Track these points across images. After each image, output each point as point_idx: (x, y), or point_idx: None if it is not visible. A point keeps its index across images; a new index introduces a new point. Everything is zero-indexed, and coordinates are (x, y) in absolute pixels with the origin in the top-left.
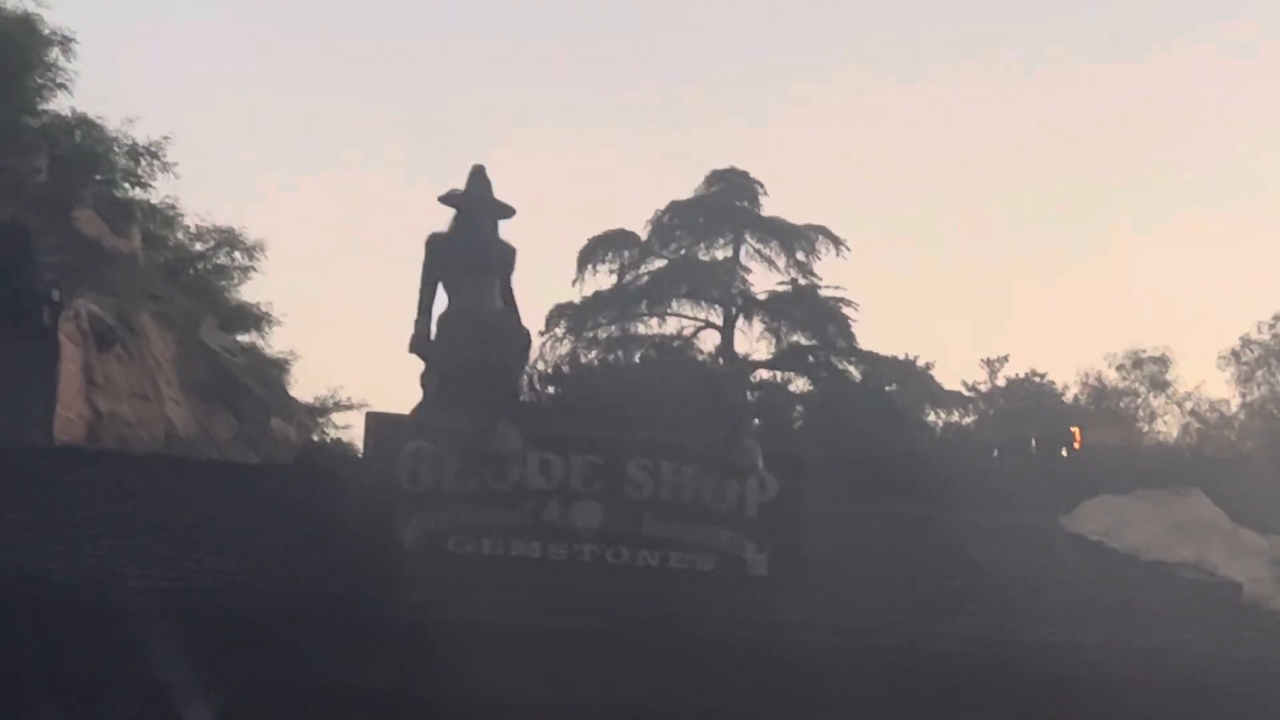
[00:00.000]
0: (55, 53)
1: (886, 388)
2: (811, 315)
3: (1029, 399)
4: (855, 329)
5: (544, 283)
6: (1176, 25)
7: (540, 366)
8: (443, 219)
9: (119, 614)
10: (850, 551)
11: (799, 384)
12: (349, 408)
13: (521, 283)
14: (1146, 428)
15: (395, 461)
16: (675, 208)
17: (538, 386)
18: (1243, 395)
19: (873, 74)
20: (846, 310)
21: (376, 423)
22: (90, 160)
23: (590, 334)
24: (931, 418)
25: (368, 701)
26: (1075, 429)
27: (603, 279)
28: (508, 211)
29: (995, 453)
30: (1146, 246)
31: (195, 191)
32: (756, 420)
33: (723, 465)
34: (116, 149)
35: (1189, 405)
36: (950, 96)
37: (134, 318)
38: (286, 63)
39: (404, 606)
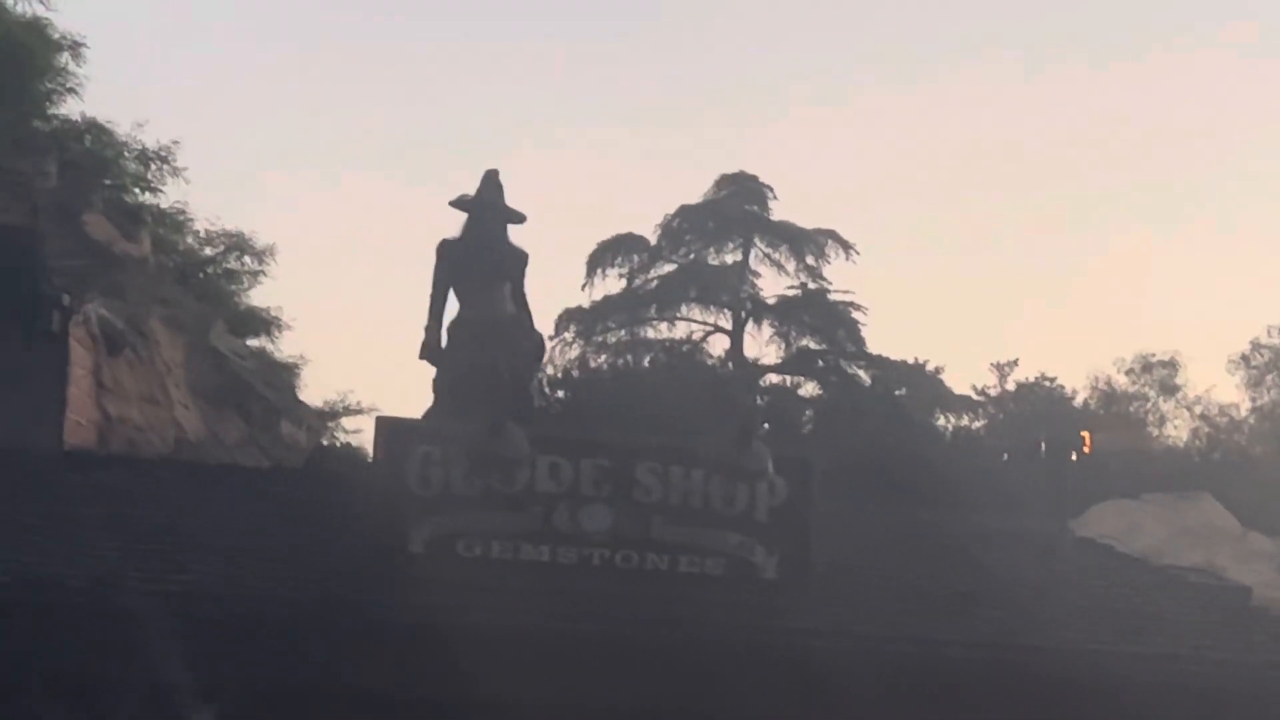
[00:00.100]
0: (65, 57)
1: (896, 392)
2: (821, 319)
3: (1038, 403)
4: (865, 333)
5: (553, 287)
6: (1185, 27)
7: (549, 371)
8: (453, 223)
9: (126, 617)
10: (860, 555)
11: (808, 388)
12: (359, 412)
13: (531, 287)
14: (1156, 432)
15: (404, 466)
16: (685, 212)
17: (547, 391)
18: (1252, 399)
19: (882, 78)
20: (856, 314)
21: (386, 427)
22: (100, 165)
23: (599, 338)
24: (941, 422)
25: (376, 705)
26: (1085, 433)
27: (612, 283)
28: (518, 217)
29: (1005, 457)
30: (1156, 250)
31: (205, 196)
32: (766, 424)
33: (732, 469)
34: (126, 153)
35: (1198, 409)
36: (959, 100)
37: (144, 322)
38: (296, 67)
39: (413, 610)
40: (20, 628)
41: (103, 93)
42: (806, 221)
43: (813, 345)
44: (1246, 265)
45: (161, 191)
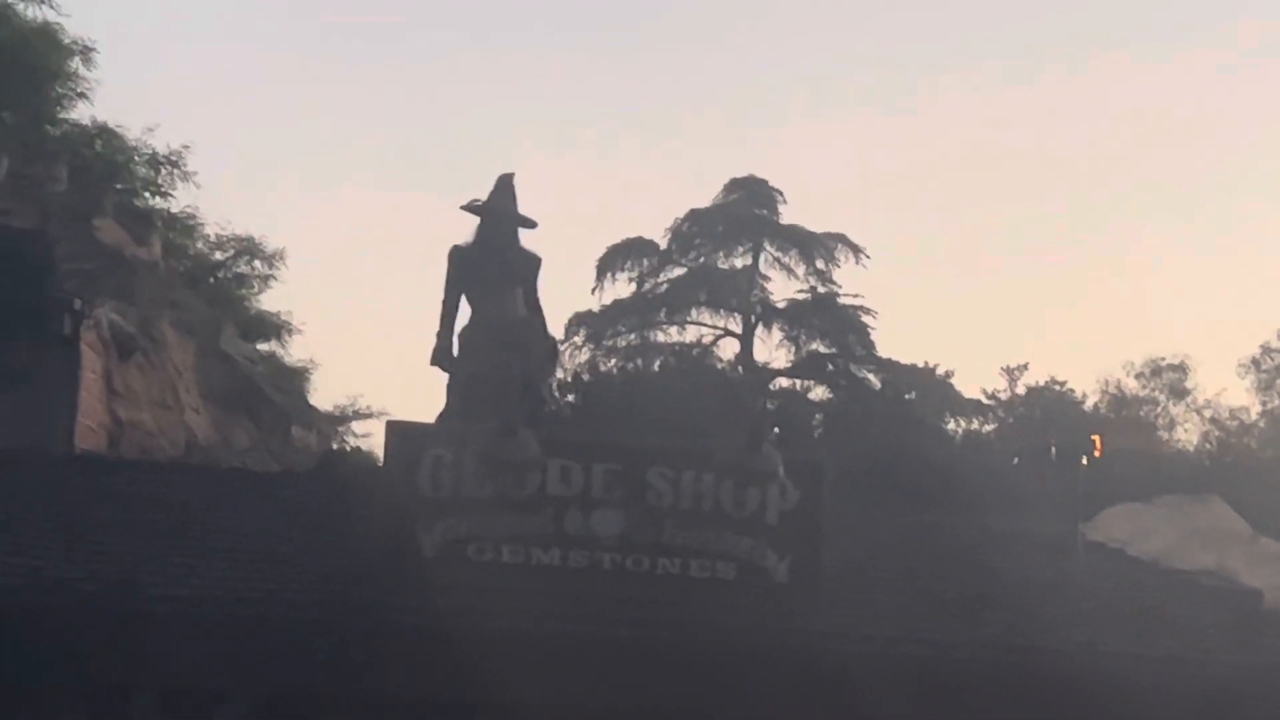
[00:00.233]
0: (76, 62)
1: (906, 396)
2: (831, 323)
3: (1049, 407)
4: (874, 337)
5: (563, 291)
6: (1194, 30)
7: (560, 375)
8: (464, 226)
9: (138, 621)
10: (870, 558)
11: (818, 392)
12: (369, 416)
13: (541, 291)
14: (1166, 435)
15: (415, 469)
16: (694, 216)
17: (557, 394)
18: (1263, 403)
19: (890, 82)
20: (866, 318)
21: (396, 431)
22: (111, 169)
23: (609, 342)
24: (951, 426)
25: (387, 707)
26: (1095, 437)
27: (622, 287)
28: (529, 223)
29: (1015, 460)
30: (1166, 254)
31: (215, 200)
32: (776, 428)
33: (743, 473)
34: (137, 158)
35: (1209, 413)
36: (968, 104)
37: (154, 326)
38: (306, 72)
39: (424, 614)
40: (32, 630)
41: (113, 97)
42: (816, 225)
43: (822, 349)
44: (1256, 269)
45: (172, 196)
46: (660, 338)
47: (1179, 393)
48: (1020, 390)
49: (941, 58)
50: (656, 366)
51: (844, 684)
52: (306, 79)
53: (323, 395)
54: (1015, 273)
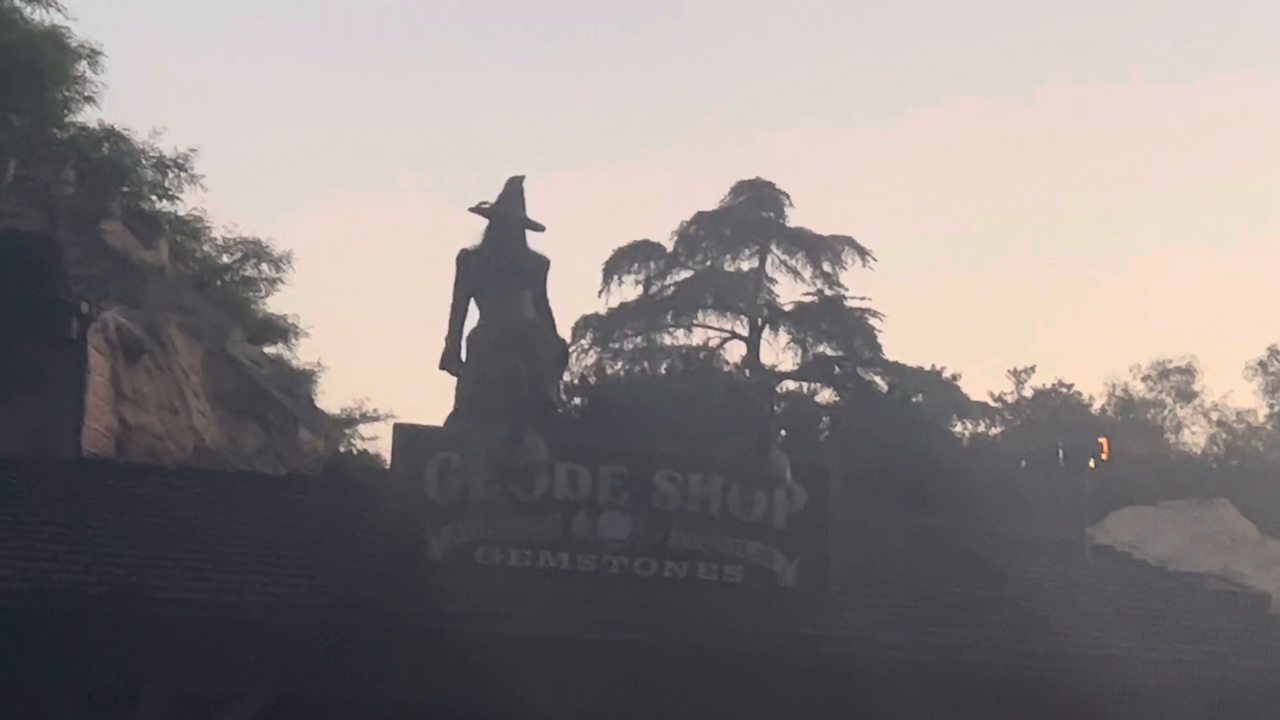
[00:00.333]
0: (83, 65)
1: (913, 398)
2: (838, 326)
3: (1056, 410)
4: (881, 340)
5: (570, 294)
6: (1201, 34)
7: (566, 378)
8: (472, 228)
9: (145, 625)
10: (877, 562)
11: (825, 395)
12: (376, 419)
13: (549, 293)
14: (1173, 438)
15: (423, 473)
16: (701, 219)
17: (564, 398)
18: (1270, 405)
19: (897, 84)
20: (873, 321)
21: (404, 434)
22: (118, 172)
23: (616, 345)
24: (958, 428)
25: (394, 713)
26: (1103, 440)
27: (628, 290)
28: (537, 227)
29: (1022, 463)
30: (1173, 257)
31: (222, 203)
32: (783, 431)
33: (750, 476)
34: (144, 161)
35: (1216, 416)
36: (975, 107)
37: (162, 330)
38: (314, 75)
39: (431, 618)
40: (39, 635)
41: (120, 101)
42: (823, 228)
43: (829, 352)
44: (1264, 271)
45: (179, 199)
46: (667, 340)
47: (1186, 395)
48: (1027, 393)
49: (948, 60)
50: (663, 369)
51: (851, 687)
52: (314, 82)
53: (330, 398)
54: (1022, 275)
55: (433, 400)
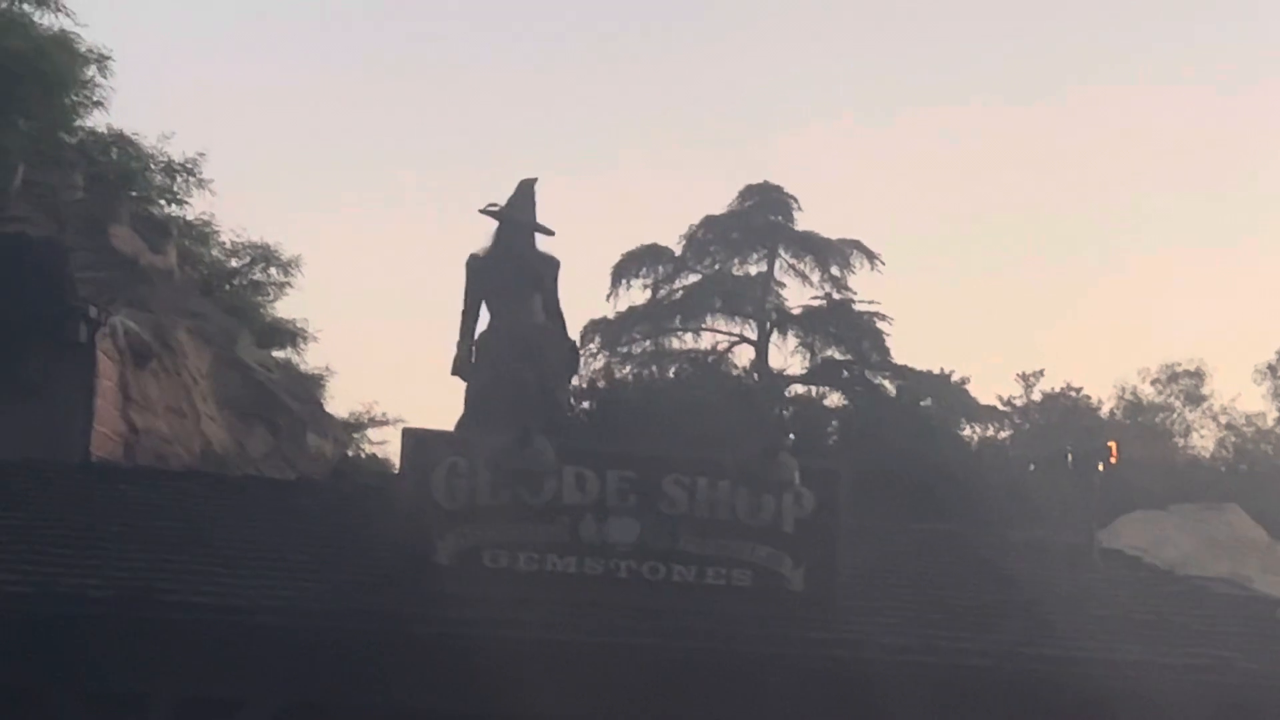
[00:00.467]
0: (92, 70)
1: (921, 402)
2: (846, 330)
3: (1064, 414)
4: (890, 343)
5: (578, 298)
6: (1208, 38)
7: (575, 381)
8: (481, 231)
9: (153, 630)
10: (886, 566)
11: (833, 399)
12: (385, 423)
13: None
14: (1182, 442)
15: (431, 477)
16: (709, 222)
17: (572, 402)
18: (1279, 409)
19: (905, 87)
20: (881, 325)
21: (412, 438)
22: (126, 177)
23: (624, 349)
24: (967, 432)
25: (403, 717)
26: (1111, 443)
27: (637, 294)
28: (546, 231)
29: (1031, 467)
30: (1181, 260)
31: (231, 208)
32: (791, 435)
33: (759, 480)
34: (153, 165)
35: (1225, 419)
36: (983, 110)
37: (170, 334)
38: (323, 79)
39: (439, 623)
40: (46, 640)
41: (129, 105)
42: (831, 232)
43: (838, 356)
44: (1272, 275)
45: (187, 203)
46: (675, 344)
47: (1195, 399)
48: (1036, 397)
49: (954, 62)
50: (671, 373)
51: (859, 692)
52: (322, 86)
53: (339, 403)
54: (1031, 279)
55: (442, 404)
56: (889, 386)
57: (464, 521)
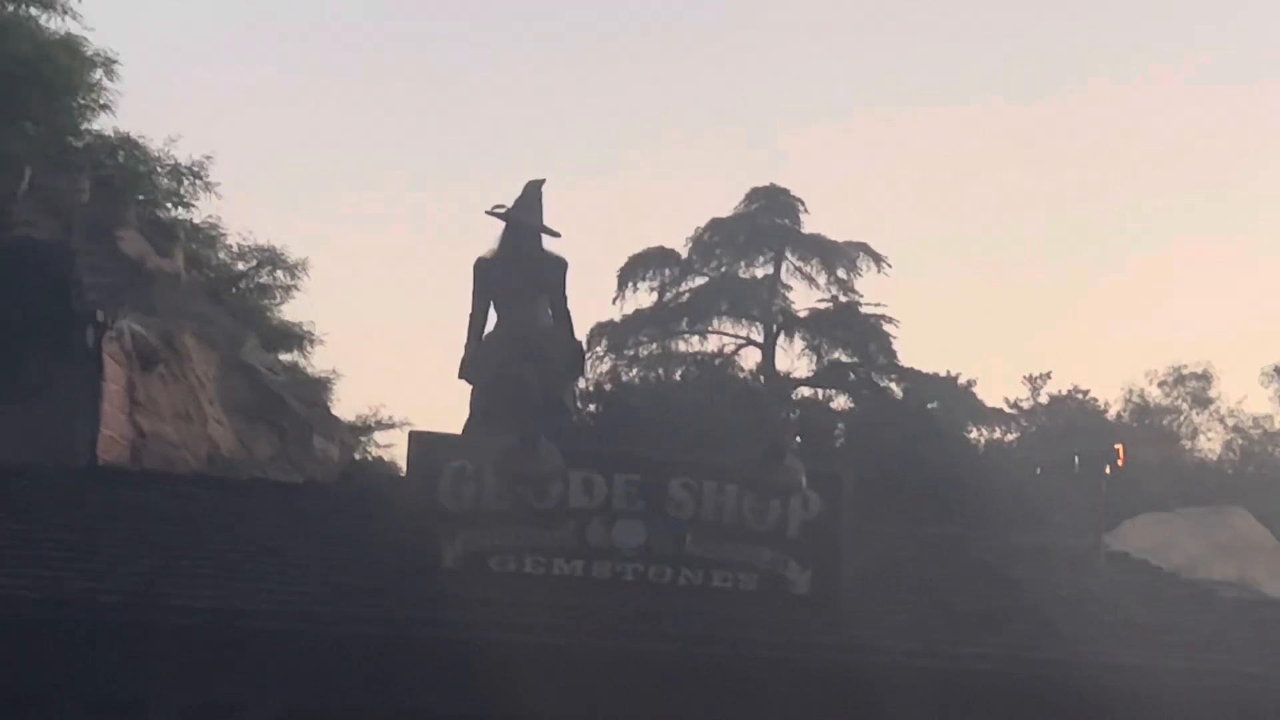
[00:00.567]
0: (98, 74)
1: (928, 405)
2: (853, 332)
3: (1071, 416)
4: (896, 346)
5: (584, 301)
6: (1217, 35)
7: (581, 384)
8: (488, 233)
9: (158, 634)
10: (892, 570)
11: (840, 402)
12: (391, 426)
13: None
14: (1189, 444)
15: (437, 481)
16: (715, 225)
17: (578, 404)
18: None
19: (913, 89)
20: (888, 327)
21: (419, 441)
22: (133, 180)
23: (631, 352)
24: (973, 435)
25: None
26: (1118, 446)
27: (643, 297)
28: (552, 233)
29: (1038, 470)
30: (1189, 262)
31: (237, 211)
32: (798, 438)
33: (765, 484)
34: (159, 169)
35: (1232, 422)
36: (991, 112)
37: (177, 338)
38: (328, 81)
39: (445, 626)
40: (52, 644)
41: (136, 108)
42: (838, 234)
43: (844, 358)
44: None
45: (194, 207)
46: (682, 347)
47: (1202, 401)
48: (1043, 399)
49: (965, 66)
50: (678, 376)
51: (864, 695)
52: (330, 89)
53: (345, 406)
54: (1037, 281)
55: (449, 407)
56: (895, 389)
57: (470, 525)
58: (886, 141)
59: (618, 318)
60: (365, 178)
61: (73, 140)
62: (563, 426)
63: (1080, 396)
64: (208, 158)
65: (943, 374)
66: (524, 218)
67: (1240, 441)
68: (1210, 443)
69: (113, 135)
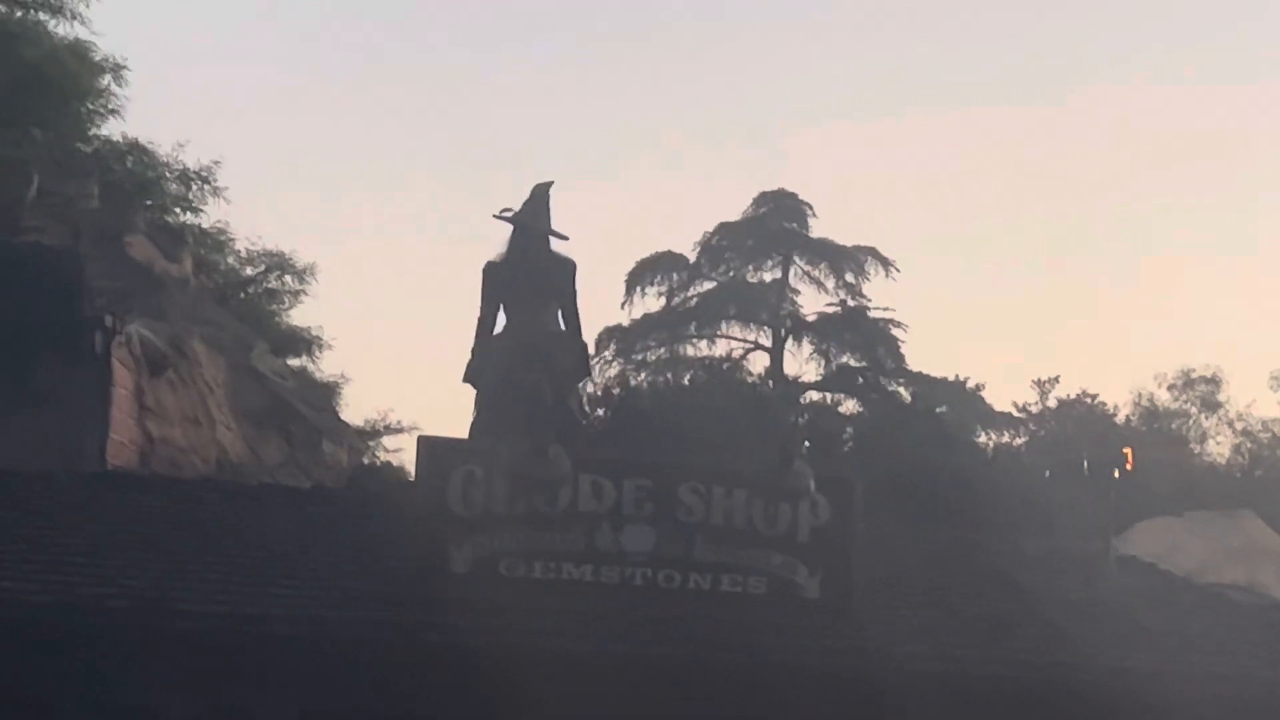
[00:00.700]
0: (107, 79)
1: (937, 409)
2: (861, 337)
3: (1080, 420)
4: (905, 350)
5: (593, 306)
6: (1223, 41)
7: (590, 389)
8: (497, 237)
9: (168, 639)
10: (900, 574)
11: (848, 406)
12: (400, 431)
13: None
14: (1198, 448)
15: (446, 485)
16: (724, 230)
17: (587, 408)
18: None
19: (920, 94)
20: (896, 331)
21: (427, 446)
22: (141, 186)
23: (639, 356)
24: (982, 439)
25: None
26: (1127, 450)
27: (651, 301)
28: (560, 237)
29: (1047, 474)
30: (1197, 266)
31: (246, 216)
32: (806, 442)
33: (774, 489)
34: (167, 174)
35: (1241, 425)
36: (999, 116)
37: (185, 343)
38: (336, 86)
39: (455, 631)
40: (62, 649)
41: (144, 114)
42: (846, 239)
43: (853, 363)
44: None
45: (203, 212)
46: (690, 352)
47: (1211, 405)
48: (1051, 403)
49: (972, 70)
50: (687, 380)
51: (873, 700)
52: (338, 94)
53: (354, 411)
54: (1046, 285)
55: (458, 412)
56: (904, 393)
57: (479, 530)
58: (895, 145)
59: (626, 322)
60: (373, 182)
61: (81, 146)
62: (570, 430)
63: (1089, 400)
64: (216, 163)
65: (951, 378)
66: (532, 221)
67: (1249, 445)
68: (1219, 447)
69: (121, 141)
